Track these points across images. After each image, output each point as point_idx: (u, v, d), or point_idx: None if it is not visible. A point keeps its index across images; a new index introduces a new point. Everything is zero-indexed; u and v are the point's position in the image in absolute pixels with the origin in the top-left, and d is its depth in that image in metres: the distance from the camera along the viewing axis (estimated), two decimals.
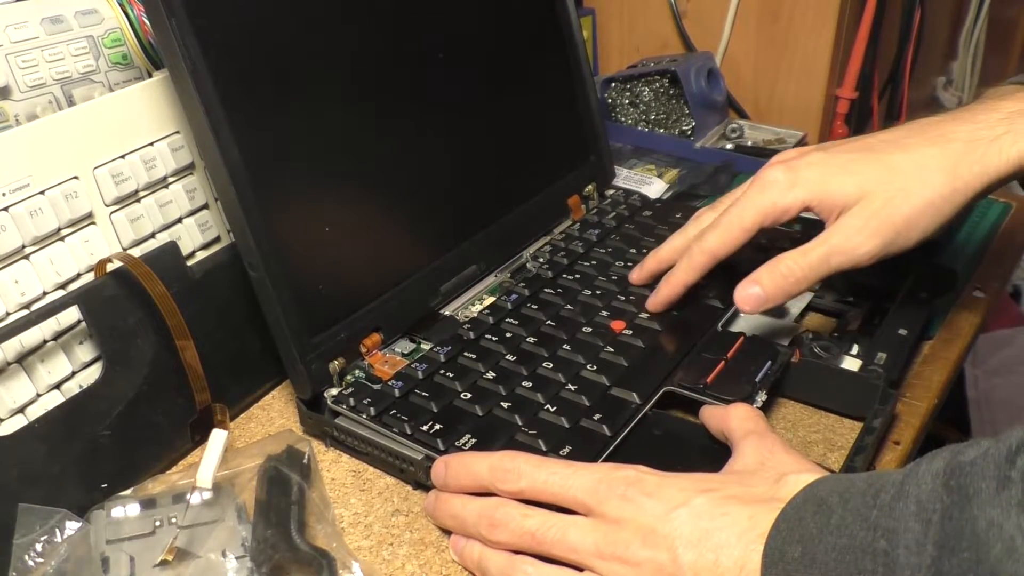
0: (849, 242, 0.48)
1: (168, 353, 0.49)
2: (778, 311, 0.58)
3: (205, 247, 0.55)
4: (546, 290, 0.60)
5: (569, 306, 0.57)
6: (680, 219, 0.68)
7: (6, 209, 0.45)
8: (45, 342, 0.46)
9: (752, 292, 0.50)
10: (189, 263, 0.52)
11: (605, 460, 0.45)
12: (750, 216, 0.51)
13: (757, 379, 0.49)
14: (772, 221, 0.51)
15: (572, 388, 0.50)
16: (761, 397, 0.48)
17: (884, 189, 0.47)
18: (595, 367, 0.51)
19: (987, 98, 0.50)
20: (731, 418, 0.45)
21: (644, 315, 0.56)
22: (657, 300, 0.56)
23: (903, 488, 0.32)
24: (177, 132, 0.53)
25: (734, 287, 0.58)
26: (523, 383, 0.50)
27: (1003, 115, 0.47)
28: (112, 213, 0.50)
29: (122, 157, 0.51)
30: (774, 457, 0.41)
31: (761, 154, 0.83)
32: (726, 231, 0.52)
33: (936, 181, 0.47)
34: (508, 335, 0.54)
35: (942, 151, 0.47)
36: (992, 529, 0.29)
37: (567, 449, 0.45)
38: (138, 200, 0.52)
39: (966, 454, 0.32)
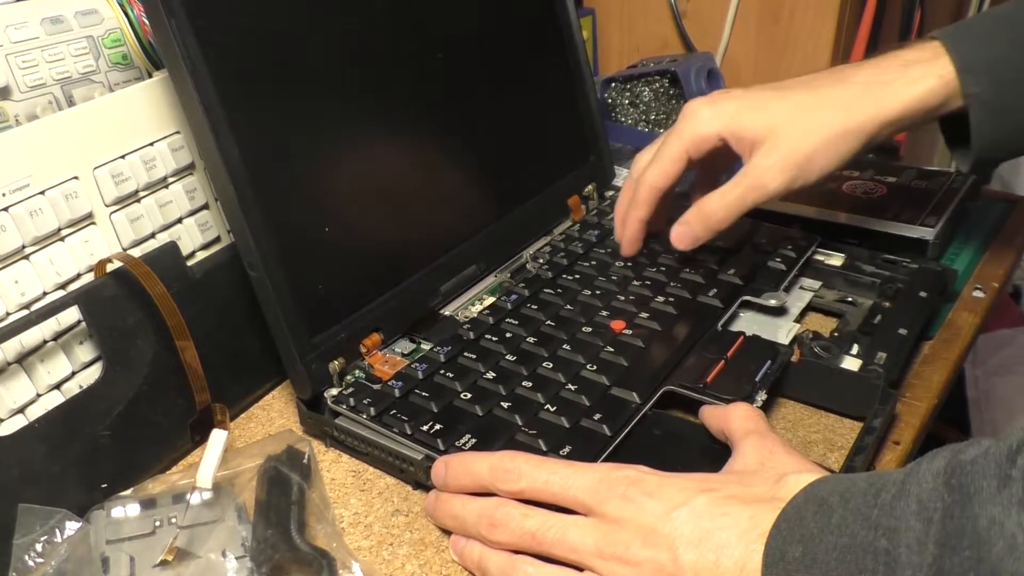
0: (760, 180, 0.54)
1: (168, 353, 0.49)
2: (778, 311, 0.58)
3: (205, 247, 0.55)
4: (546, 290, 0.60)
5: (569, 306, 0.57)
6: None
7: (6, 209, 0.45)
8: (45, 342, 0.47)
9: (682, 230, 0.58)
10: (189, 263, 0.52)
11: (605, 460, 0.45)
12: (677, 145, 0.57)
13: (757, 379, 0.49)
14: (695, 150, 0.56)
15: (572, 388, 0.49)
16: (761, 397, 0.48)
17: (789, 128, 0.53)
18: (595, 367, 0.51)
19: (892, 49, 0.55)
20: (731, 418, 0.45)
21: (644, 315, 0.56)
22: (624, 241, 0.63)
23: (904, 487, 0.32)
24: (177, 132, 0.53)
25: (733, 288, 0.59)
26: (523, 383, 0.50)
27: (900, 62, 0.53)
28: (112, 213, 0.51)
29: (122, 157, 0.51)
30: (774, 457, 0.41)
31: None
32: (659, 163, 0.58)
33: (834, 120, 0.52)
34: (508, 335, 0.55)
35: (842, 91, 0.53)
36: (993, 527, 0.29)
37: (567, 449, 0.45)
38: (138, 200, 0.52)
39: (967, 453, 0.32)
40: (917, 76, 0.52)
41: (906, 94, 0.52)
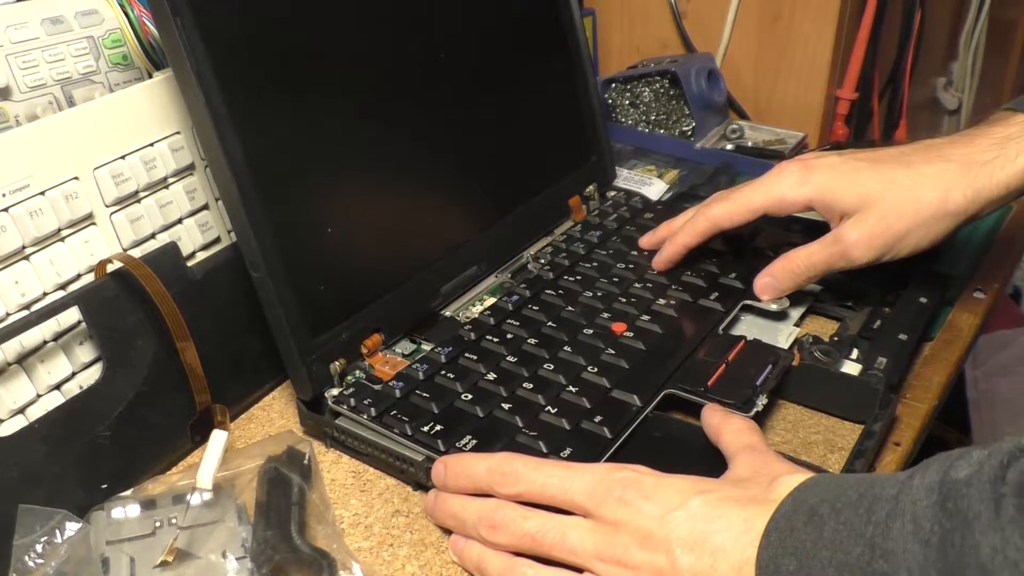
0: (847, 251, 0.53)
1: (168, 354, 0.49)
2: (778, 315, 0.58)
3: (205, 248, 0.55)
4: (547, 291, 0.59)
5: (570, 307, 0.57)
6: None
7: (6, 210, 0.45)
8: (45, 343, 0.46)
9: (766, 282, 0.57)
10: (189, 264, 0.52)
11: (605, 462, 0.45)
12: (759, 199, 0.56)
13: (757, 383, 0.49)
14: (776, 210, 0.56)
15: (573, 390, 0.49)
16: (761, 401, 0.48)
17: (882, 203, 0.52)
18: (596, 369, 0.51)
19: (983, 123, 0.54)
20: (724, 432, 0.45)
21: (645, 318, 0.56)
22: (660, 258, 0.62)
23: (898, 504, 0.32)
24: (178, 132, 0.53)
25: (735, 292, 0.59)
26: (524, 384, 0.50)
27: (994, 140, 0.51)
28: (112, 214, 0.50)
29: (122, 158, 0.51)
30: (767, 466, 0.41)
31: (761, 155, 0.83)
32: (733, 205, 0.58)
33: (930, 199, 0.51)
34: (509, 336, 0.54)
35: (938, 171, 0.51)
36: (996, 557, 0.28)
37: (567, 451, 0.45)
38: (138, 201, 0.52)
39: (959, 469, 0.31)
40: (1014, 153, 0.50)
41: (1007, 173, 0.50)
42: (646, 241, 0.65)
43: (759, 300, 0.58)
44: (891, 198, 0.51)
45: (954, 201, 0.50)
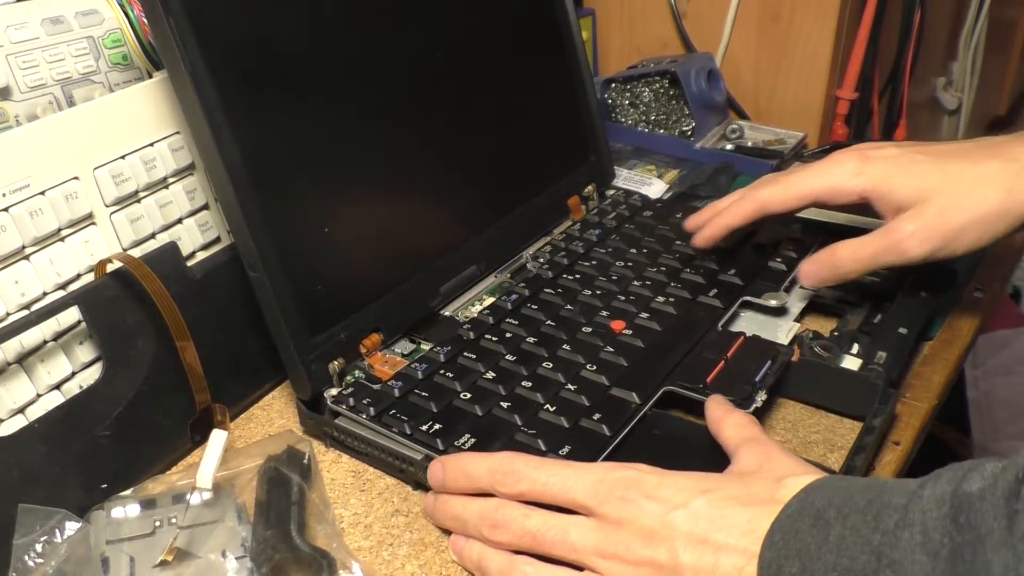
0: (900, 244, 0.51)
1: (168, 353, 0.49)
2: (778, 311, 0.58)
3: (205, 248, 0.55)
4: (546, 290, 0.60)
5: (569, 306, 0.57)
6: (680, 219, 0.68)
7: (6, 210, 0.45)
8: (45, 342, 0.47)
9: (810, 270, 0.55)
10: (189, 264, 0.52)
11: (605, 460, 0.45)
12: (812, 186, 0.55)
13: (757, 379, 0.49)
14: (828, 199, 0.55)
15: (572, 388, 0.50)
16: (761, 397, 0.48)
17: (941, 197, 0.50)
18: (595, 367, 0.51)
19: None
20: (724, 427, 0.45)
21: (644, 315, 0.56)
22: (702, 236, 0.60)
23: (907, 515, 0.32)
24: (177, 133, 0.53)
25: (734, 288, 0.58)
26: (523, 383, 0.50)
27: None
28: (112, 214, 0.51)
29: (122, 158, 0.51)
30: (772, 461, 0.41)
31: (761, 155, 0.83)
32: (785, 189, 0.56)
33: (991, 197, 0.49)
34: (508, 335, 0.54)
35: (1002, 168, 0.49)
36: (1008, 575, 0.28)
37: (566, 449, 0.45)
38: (138, 201, 0.52)
39: (972, 482, 0.31)
40: None
41: None
42: (691, 223, 0.62)
43: (758, 296, 0.58)
44: (952, 192, 0.50)
45: (1016, 200, 0.49)
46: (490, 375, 0.51)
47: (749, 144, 0.86)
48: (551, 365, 0.51)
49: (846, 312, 0.58)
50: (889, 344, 0.52)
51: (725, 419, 0.45)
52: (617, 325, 0.55)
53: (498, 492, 0.42)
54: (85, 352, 0.48)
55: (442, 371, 0.51)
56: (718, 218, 0.59)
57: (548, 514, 0.41)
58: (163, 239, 0.53)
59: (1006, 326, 1.17)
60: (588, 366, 0.51)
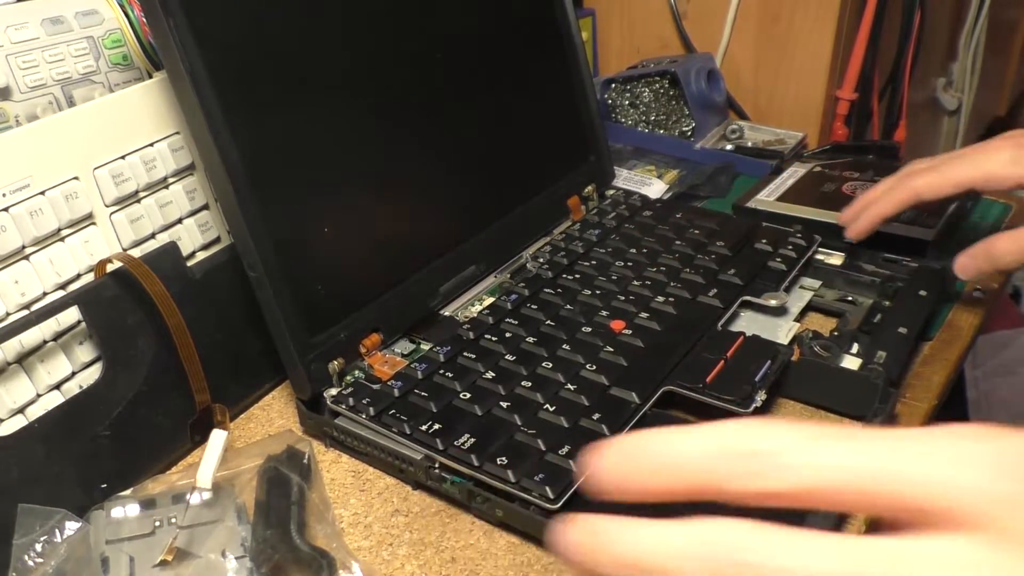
0: None
1: (168, 353, 0.49)
2: (778, 311, 0.58)
3: (205, 247, 0.55)
4: (546, 290, 0.60)
5: (569, 306, 0.57)
6: (680, 219, 0.68)
7: (6, 209, 0.45)
8: (45, 342, 0.47)
9: (967, 263, 0.55)
10: (189, 263, 0.52)
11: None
12: (967, 174, 0.54)
13: (757, 379, 0.49)
14: (982, 186, 0.55)
15: (571, 388, 0.49)
16: (761, 397, 0.48)
17: None
18: (594, 367, 0.51)
19: None
20: None
21: (644, 315, 0.56)
22: (857, 227, 0.61)
23: None
24: (177, 133, 0.53)
25: (733, 288, 0.58)
26: (522, 383, 0.50)
27: None
28: (112, 214, 0.51)
29: (122, 158, 0.51)
30: None
31: (761, 155, 0.83)
32: (939, 177, 0.55)
33: None
34: (508, 335, 0.55)
35: None
36: None
37: (565, 449, 0.45)
38: (138, 201, 0.52)
39: None
40: None
41: None
42: (845, 216, 0.62)
43: (758, 296, 0.58)
44: None
45: None
46: (490, 375, 0.51)
47: (749, 144, 0.86)
48: (551, 365, 0.51)
49: (846, 312, 0.58)
50: (889, 344, 0.52)
51: None
52: (617, 325, 0.55)
53: (736, 492, 0.22)
54: (85, 352, 0.48)
55: (442, 371, 0.51)
56: (873, 208, 0.59)
57: (877, 544, 0.20)
58: (163, 239, 0.53)
59: (1006, 326, 1.17)
60: (588, 366, 0.51)
